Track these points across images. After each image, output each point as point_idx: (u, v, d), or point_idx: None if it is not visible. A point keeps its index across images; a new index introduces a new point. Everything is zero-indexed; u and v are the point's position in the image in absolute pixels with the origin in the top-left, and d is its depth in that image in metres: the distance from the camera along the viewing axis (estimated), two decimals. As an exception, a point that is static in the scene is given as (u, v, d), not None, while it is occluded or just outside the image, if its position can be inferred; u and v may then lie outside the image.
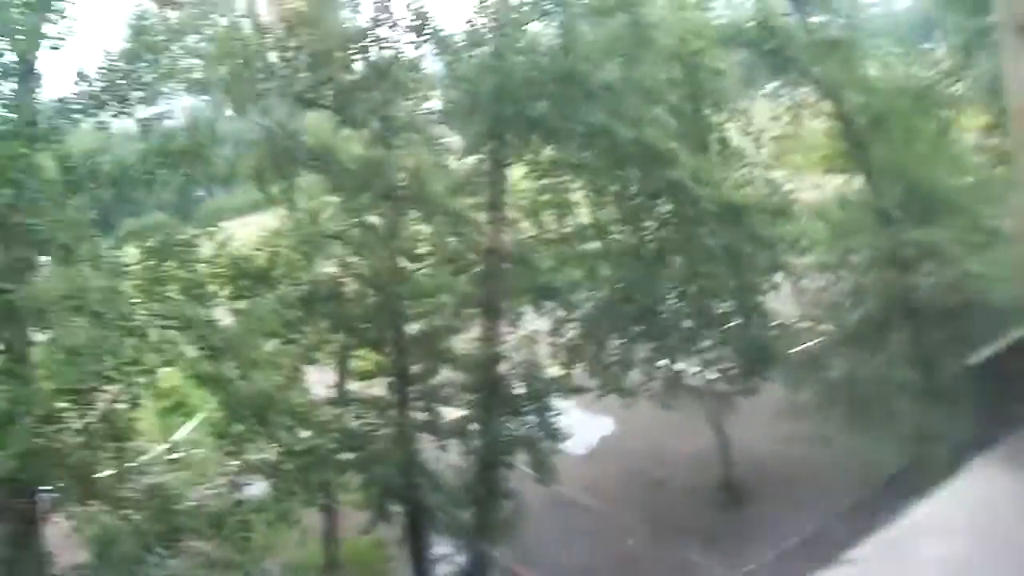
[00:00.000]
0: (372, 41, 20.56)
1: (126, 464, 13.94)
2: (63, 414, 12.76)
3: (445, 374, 22.71)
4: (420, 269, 21.98)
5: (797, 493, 27.21)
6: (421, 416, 22.38)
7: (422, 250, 22.02)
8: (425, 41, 20.83)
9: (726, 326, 26.11)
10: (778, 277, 25.13)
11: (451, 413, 23.23)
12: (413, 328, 22.37)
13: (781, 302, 26.85)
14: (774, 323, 25.93)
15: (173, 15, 16.56)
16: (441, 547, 24.04)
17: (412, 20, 20.59)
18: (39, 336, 13.06)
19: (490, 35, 20.75)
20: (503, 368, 22.18)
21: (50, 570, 14.59)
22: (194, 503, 14.40)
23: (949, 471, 22.86)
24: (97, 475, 13.34)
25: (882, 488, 26.35)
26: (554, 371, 23.97)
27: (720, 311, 25.93)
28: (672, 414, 27.97)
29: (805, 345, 28.31)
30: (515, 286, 21.96)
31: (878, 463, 25.31)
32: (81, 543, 12.03)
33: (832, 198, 26.26)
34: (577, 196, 25.57)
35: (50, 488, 13.65)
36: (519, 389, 22.24)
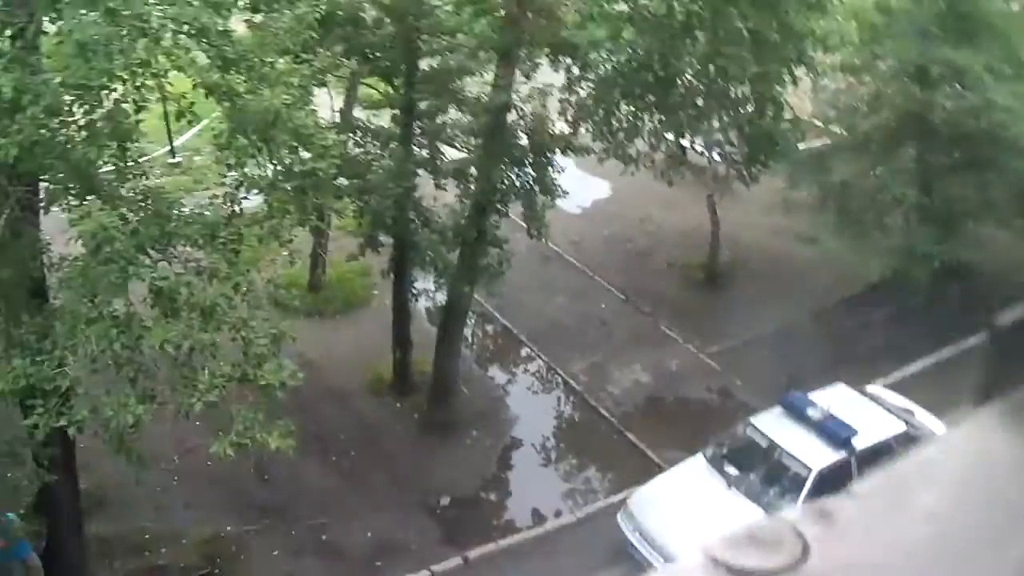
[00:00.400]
0: None
1: (127, 164, 14.09)
2: (69, 108, 12.78)
3: (452, 114, 22.66)
4: (443, 5, 21.59)
5: (775, 286, 27.74)
6: (423, 153, 22.45)
7: (447, -13, 21.57)
8: None
9: (738, 111, 25.89)
10: (800, 71, 24.74)
11: (453, 154, 23.32)
12: (427, 63, 22.17)
13: (797, 97, 26.58)
14: (787, 116, 25.71)
15: None
16: (423, 283, 24.59)
17: None
18: (50, 27, 12.92)
19: None
20: (510, 117, 22.06)
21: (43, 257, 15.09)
22: (189, 210, 14.57)
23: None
24: (97, 172, 13.47)
25: (857, 297, 26.93)
26: (560, 128, 23.86)
27: (735, 95, 25.65)
28: (669, 189, 28.13)
29: (813, 144, 28.27)
30: (535, 36, 21.61)
31: (860, 272, 25.74)
32: (74, 236, 12.23)
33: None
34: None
35: (50, 180, 13.86)
36: (523, 140, 22.19)
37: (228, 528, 20.75)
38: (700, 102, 25.85)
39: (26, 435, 14.95)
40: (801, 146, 26.79)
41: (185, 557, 19.94)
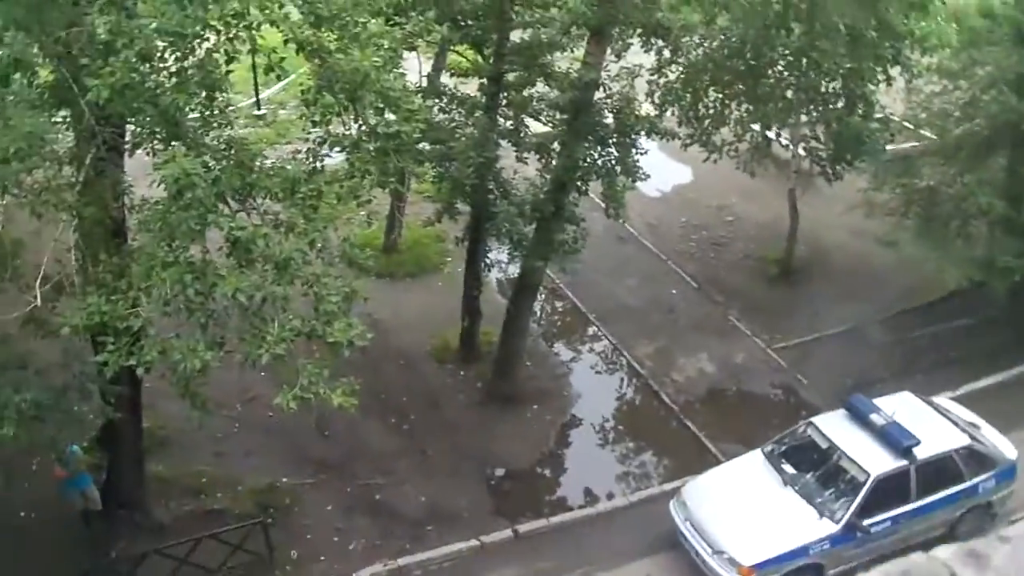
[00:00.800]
0: None
1: (213, 113, 14.20)
2: (161, 54, 12.90)
3: (539, 88, 22.60)
4: (539, -23, 21.51)
5: (850, 286, 27.45)
6: (507, 124, 22.42)
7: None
8: None
9: (828, 107, 25.56)
10: (895, 71, 24.34)
11: (537, 127, 23.27)
12: (518, 35, 22.12)
13: (890, 97, 26.18)
14: (877, 116, 25.32)
15: None
16: (497, 254, 24.63)
17: None
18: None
19: None
20: (598, 95, 21.94)
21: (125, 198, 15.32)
22: (271, 163, 14.67)
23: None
24: (184, 119, 13.59)
25: (932, 305, 26.51)
26: (646, 110, 23.70)
27: (826, 90, 25.32)
28: (750, 180, 27.91)
29: (900, 146, 27.84)
30: (629, 16, 21.44)
31: (937, 280, 25.33)
32: (157, 180, 12.36)
33: (975, 3, 25.12)
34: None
35: (137, 123, 14.01)
36: (608, 119, 22.07)
37: (284, 479, 21.03)
38: (790, 94, 25.57)
39: (95, 371, 15.23)
40: (888, 147, 26.37)
41: (240, 504, 20.23)
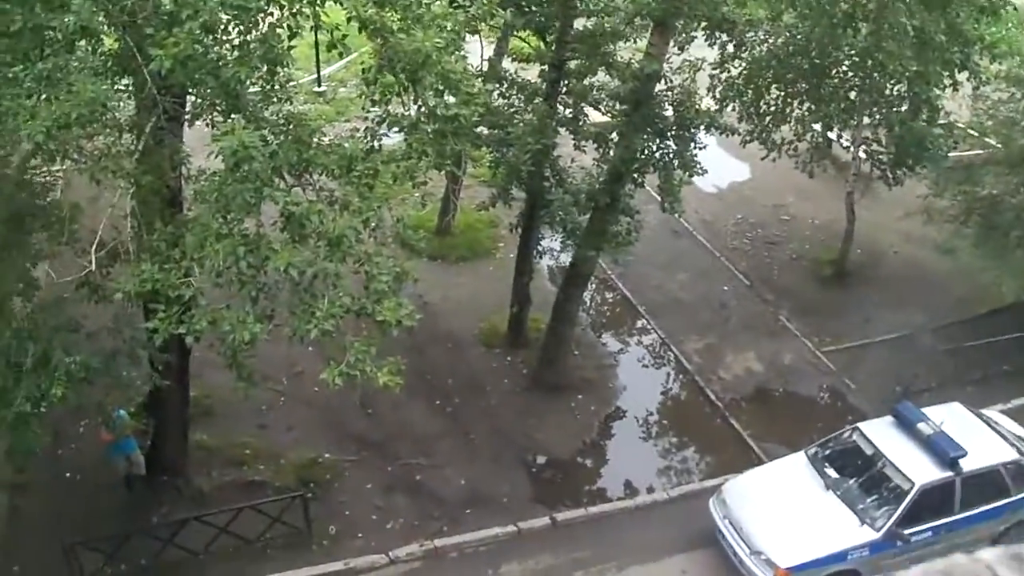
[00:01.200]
0: None
1: (273, 87, 14.27)
2: (225, 27, 12.96)
3: (600, 77, 22.50)
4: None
5: (904, 293, 27.16)
6: (566, 112, 22.36)
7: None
8: None
9: (892, 110, 25.23)
10: (962, 76, 23.99)
11: (596, 117, 23.19)
12: (581, 23, 22.03)
13: (955, 103, 25.81)
14: (941, 121, 24.97)
15: None
16: (550, 242, 24.61)
17: None
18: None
19: None
20: (659, 87, 21.81)
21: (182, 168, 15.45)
22: (329, 140, 14.71)
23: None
24: (244, 92, 13.65)
25: (987, 316, 26.14)
26: (707, 104, 23.52)
27: (890, 93, 25.00)
28: (808, 181, 27.68)
29: (964, 153, 27.46)
30: (694, 9, 21.27)
31: (994, 290, 25.00)
32: (215, 152, 12.42)
33: (1048, 10, 24.75)
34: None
35: (198, 95, 14.11)
36: (668, 112, 21.93)
37: (326, 455, 21.16)
38: (853, 96, 25.27)
39: (145, 338, 15.37)
40: (951, 154, 26.01)
41: (281, 477, 20.39)
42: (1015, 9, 23.26)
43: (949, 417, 19.36)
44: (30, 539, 18.59)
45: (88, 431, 20.15)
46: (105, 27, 13.34)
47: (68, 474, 20.13)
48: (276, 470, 20.59)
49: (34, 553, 18.33)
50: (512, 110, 22.16)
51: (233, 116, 13.23)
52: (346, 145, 14.45)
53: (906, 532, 17.95)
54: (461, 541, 19.55)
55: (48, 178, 15.14)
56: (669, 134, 21.77)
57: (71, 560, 17.75)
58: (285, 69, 14.24)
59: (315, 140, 14.44)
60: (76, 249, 15.01)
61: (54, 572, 17.91)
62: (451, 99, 15.00)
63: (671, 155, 21.80)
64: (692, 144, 21.76)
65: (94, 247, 13.39)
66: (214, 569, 18.48)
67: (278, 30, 13.36)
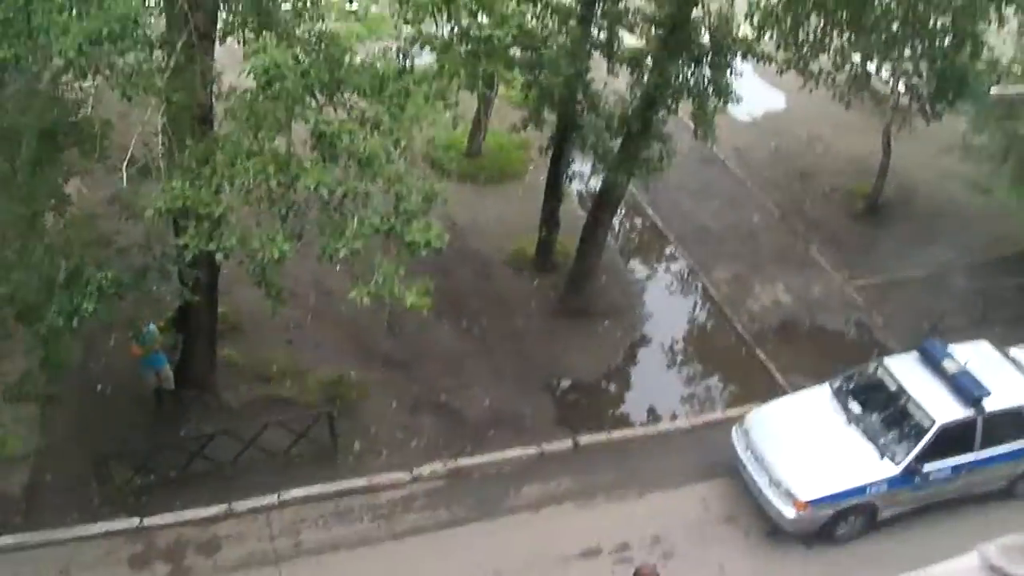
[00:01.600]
0: None
1: (305, 5, 14.20)
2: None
3: (636, 1, 22.23)
4: None
5: (937, 230, 26.82)
6: (600, 36, 22.11)
7: None
8: None
9: (934, 43, 24.77)
10: (1009, 10, 23.49)
11: (631, 41, 22.92)
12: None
13: (1000, 38, 25.30)
14: (985, 57, 24.52)
15: None
16: (580, 166, 24.48)
17: None
18: None
19: None
20: (695, 12, 21.51)
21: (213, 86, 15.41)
22: (361, 59, 14.63)
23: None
24: (276, 9, 13.59)
25: (1020, 255, 25.87)
26: (744, 31, 23.18)
27: (933, 25, 24.53)
28: (844, 112, 27.33)
29: (1006, 90, 26.96)
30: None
31: (1028, 230, 24.74)
32: (246, 70, 12.38)
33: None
34: None
35: (230, 11, 14.07)
36: (704, 38, 21.65)
37: (352, 373, 21.32)
38: (895, 27, 24.80)
39: (175, 254, 15.49)
40: (993, 90, 25.55)
41: (307, 394, 20.60)
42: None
43: (976, 355, 19.28)
44: (61, 450, 18.93)
45: (118, 345, 20.36)
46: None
47: (99, 387, 20.41)
48: (302, 387, 20.79)
49: (65, 464, 18.69)
50: (546, 33, 21.88)
51: (265, 34, 13.20)
52: (378, 65, 14.37)
53: (925, 469, 18.00)
54: (484, 461, 19.76)
55: (79, 94, 15.16)
56: (705, 60, 21.48)
57: (101, 471, 18.10)
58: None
59: (347, 59, 14.40)
60: (107, 165, 15.07)
61: (85, 482, 18.29)
62: (484, 20, 14.90)
63: (706, 82, 21.54)
64: (728, 71, 21.51)
65: (125, 164, 13.46)
66: (240, 481, 18.78)
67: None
